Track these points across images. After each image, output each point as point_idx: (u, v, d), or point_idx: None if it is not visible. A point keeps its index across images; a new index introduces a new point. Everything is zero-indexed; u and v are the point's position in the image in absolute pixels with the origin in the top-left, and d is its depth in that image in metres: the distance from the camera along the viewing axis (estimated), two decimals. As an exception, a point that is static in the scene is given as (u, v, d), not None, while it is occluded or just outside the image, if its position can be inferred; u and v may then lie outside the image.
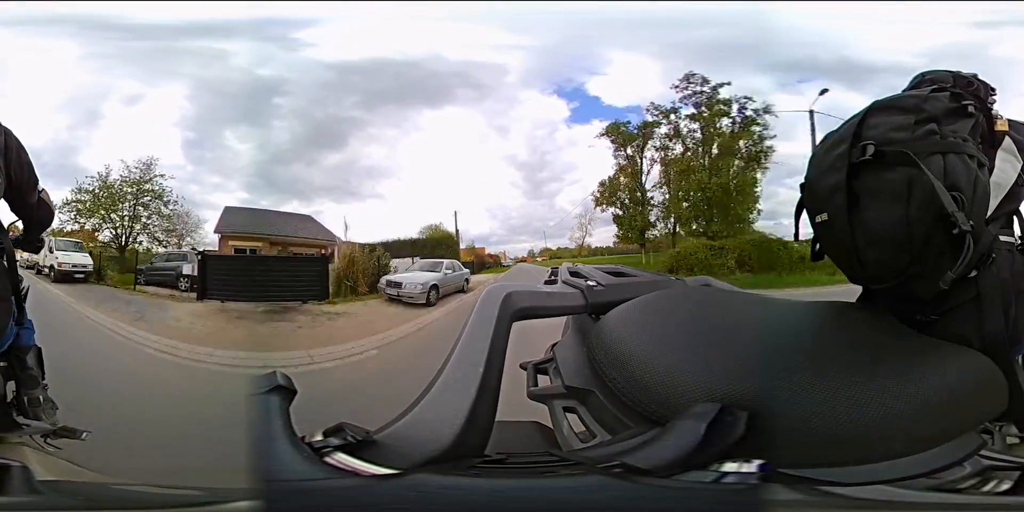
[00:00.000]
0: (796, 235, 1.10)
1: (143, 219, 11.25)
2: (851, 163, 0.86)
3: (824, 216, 0.94)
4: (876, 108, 0.90)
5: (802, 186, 1.03)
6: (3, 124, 1.58)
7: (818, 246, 1.03)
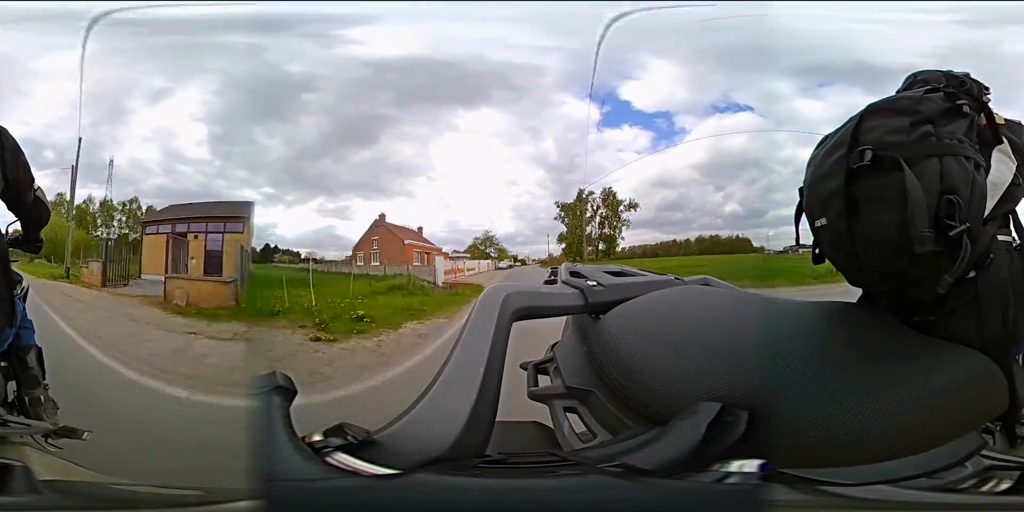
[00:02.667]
0: (797, 239, 1.10)
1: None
2: (849, 168, 0.86)
3: (823, 221, 0.93)
4: (872, 111, 0.89)
5: (801, 190, 1.03)
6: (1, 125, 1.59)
7: (818, 250, 1.03)
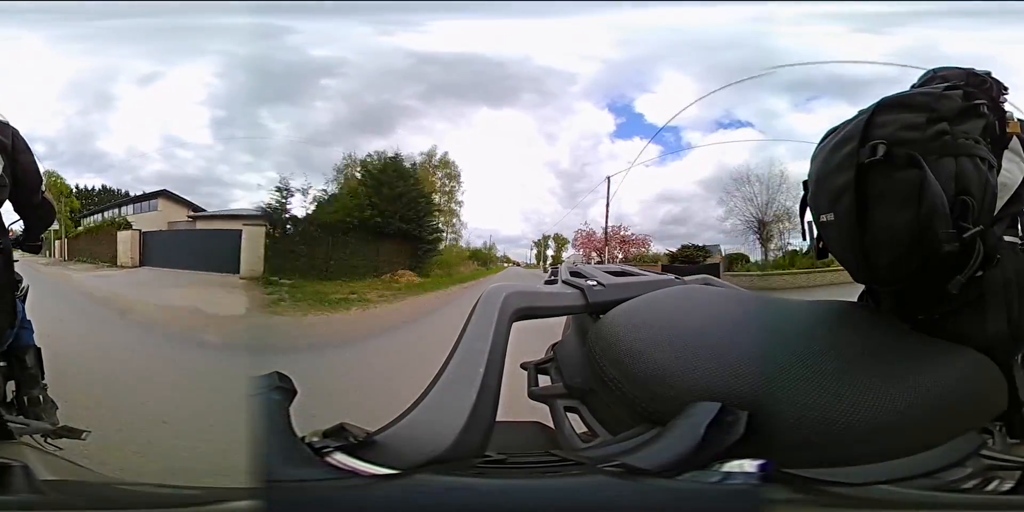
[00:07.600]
0: (803, 234, 1.09)
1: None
2: (860, 163, 0.85)
3: (830, 216, 0.92)
4: (885, 105, 0.88)
5: (805, 184, 1.02)
6: (11, 125, 1.60)
7: (821, 244, 1.02)
